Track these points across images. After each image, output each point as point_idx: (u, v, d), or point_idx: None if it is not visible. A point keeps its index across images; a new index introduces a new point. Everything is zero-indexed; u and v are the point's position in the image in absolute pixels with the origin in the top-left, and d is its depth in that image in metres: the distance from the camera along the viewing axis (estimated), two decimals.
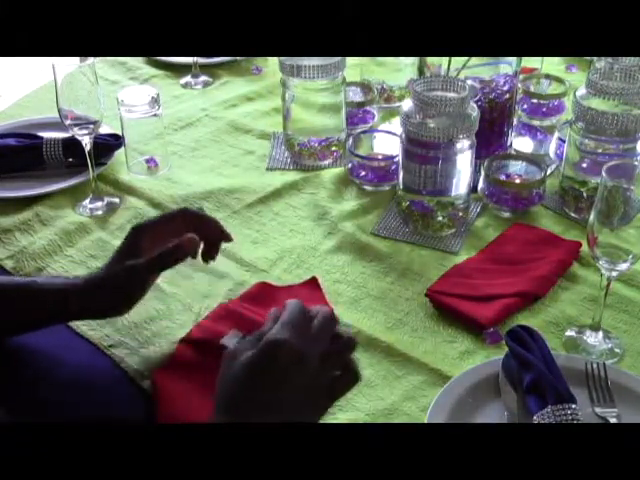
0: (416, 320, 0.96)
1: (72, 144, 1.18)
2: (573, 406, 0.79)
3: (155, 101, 1.21)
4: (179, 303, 0.99)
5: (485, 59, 1.15)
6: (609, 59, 1.07)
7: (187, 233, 0.87)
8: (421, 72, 1.22)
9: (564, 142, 1.14)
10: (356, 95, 1.36)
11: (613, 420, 0.81)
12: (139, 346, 0.92)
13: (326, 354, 0.71)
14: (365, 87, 1.37)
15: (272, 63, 1.53)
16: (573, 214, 1.13)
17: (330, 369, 0.72)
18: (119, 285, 0.87)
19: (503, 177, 1.15)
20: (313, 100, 1.23)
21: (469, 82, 1.07)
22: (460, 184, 1.07)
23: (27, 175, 1.22)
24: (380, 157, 1.21)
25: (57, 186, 1.18)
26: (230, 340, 0.89)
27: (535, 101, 1.33)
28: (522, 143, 1.29)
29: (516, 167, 1.18)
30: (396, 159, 1.14)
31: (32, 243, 1.09)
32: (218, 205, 1.17)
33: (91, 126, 1.10)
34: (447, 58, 1.13)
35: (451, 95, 1.03)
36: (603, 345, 0.91)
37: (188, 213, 0.91)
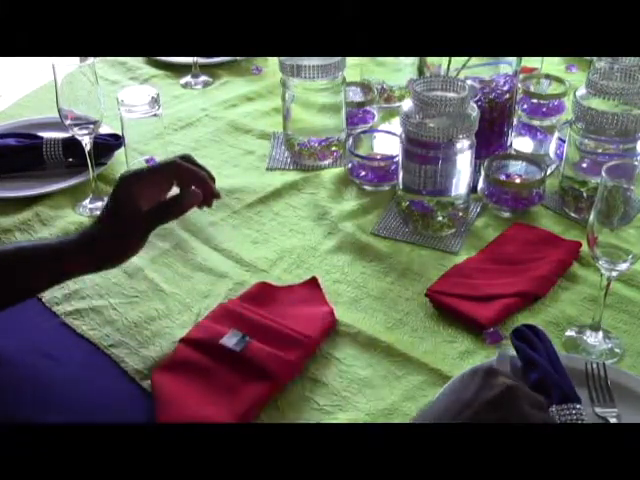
0: (416, 320, 0.96)
1: (72, 144, 1.18)
2: (578, 406, 0.79)
3: (155, 101, 1.21)
4: (179, 303, 0.99)
5: (485, 59, 1.15)
6: (609, 59, 1.07)
7: (180, 185, 0.88)
8: (421, 72, 1.22)
9: (564, 142, 1.14)
10: (356, 95, 1.36)
11: (613, 420, 0.81)
12: (139, 346, 0.92)
13: None
14: (365, 87, 1.37)
15: (272, 63, 1.53)
16: (573, 214, 1.13)
17: None
18: (118, 234, 0.86)
19: (503, 177, 1.15)
20: (313, 100, 1.23)
21: (469, 82, 1.07)
22: (460, 184, 1.07)
23: (27, 175, 1.22)
24: (380, 157, 1.21)
25: (57, 186, 1.18)
26: (230, 340, 0.89)
27: (535, 101, 1.33)
28: (522, 143, 1.29)
29: (516, 167, 1.18)
30: (396, 159, 1.14)
31: None
32: (218, 205, 1.17)
33: (91, 126, 1.10)
34: (447, 58, 1.13)
35: (451, 95, 1.03)
36: (603, 345, 0.91)
37: (179, 166, 0.91)
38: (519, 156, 1.21)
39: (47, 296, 0.99)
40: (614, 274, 0.87)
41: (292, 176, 1.23)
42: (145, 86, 1.46)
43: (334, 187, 1.20)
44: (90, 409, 0.83)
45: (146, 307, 0.98)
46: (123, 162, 1.25)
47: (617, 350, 0.91)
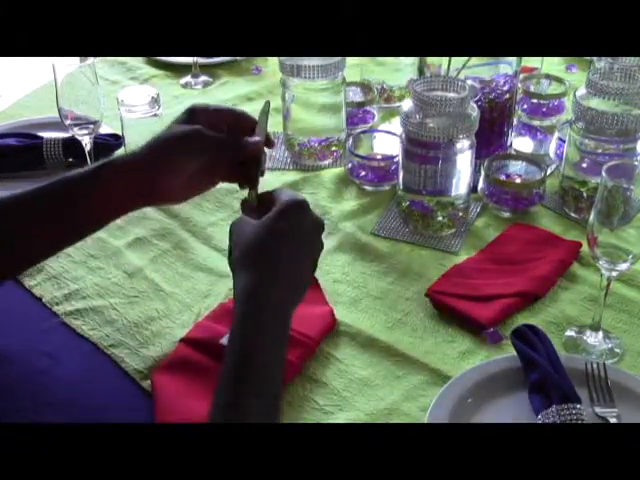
0: (416, 320, 0.96)
1: (72, 144, 1.18)
2: (578, 406, 0.79)
3: (155, 101, 1.21)
4: (179, 303, 0.99)
5: (485, 59, 1.15)
6: (609, 59, 1.07)
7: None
8: (421, 72, 1.22)
9: (564, 142, 1.14)
10: (356, 95, 1.36)
11: (613, 420, 0.81)
12: (139, 346, 0.92)
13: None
14: (365, 87, 1.37)
15: (272, 63, 1.53)
16: (573, 214, 1.13)
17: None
18: (189, 147, 0.82)
19: (503, 177, 1.15)
20: (313, 100, 1.23)
21: (469, 82, 1.07)
22: (460, 184, 1.07)
23: (27, 175, 1.21)
24: (380, 157, 1.21)
25: None
26: None
27: (535, 101, 1.33)
28: (522, 143, 1.29)
29: (516, 167, 1.18)
30: (396, 159, 1.14)
31: None
32: (218, 205, 1.17)
33: (91, 126, 1.10)
34: (447, 58, 1.13)
35: (451, 95, 1.03)
36: (603, 345, 0.91)
37: (246, 117, 0.89)
38: (519, 156, 1.21)
39: (47, 296, 0.99)
40: (614, 274, 0.87)
41: (292, 176, 1.23)
42: (145, 86, 1.46)
43: (334, 187, 1.20)
44: (90, 409, 0.83)
45: (146, 307, 0.98)
46: None
47: (617, 350, 0.91)
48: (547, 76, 1.39)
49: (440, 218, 1.09)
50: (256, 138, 0.86)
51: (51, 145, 1.22)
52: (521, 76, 1.27)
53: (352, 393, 0.86)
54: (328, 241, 1.09)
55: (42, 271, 1.03)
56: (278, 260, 0.72)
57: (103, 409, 0.83)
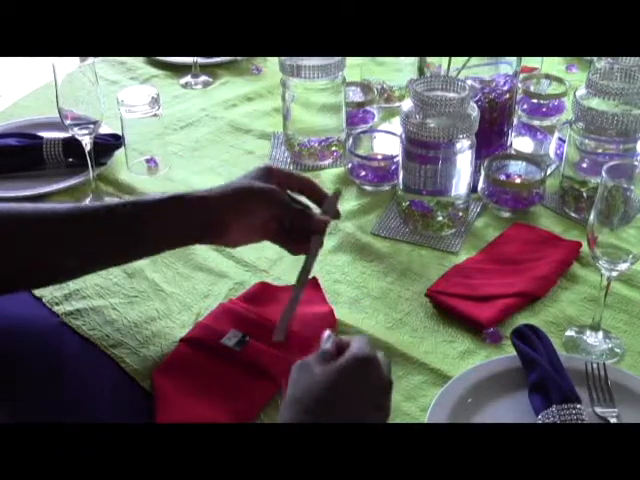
0: (416, 320, 0.96)
1: (72, 144, 1.18)
2: (578, 406, 0.79)
3: (155, 101, 1.21)
4: (179, 303, 0.99)
5: (485, 59, 1.14)
6: (609, 59, 1.07)
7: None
8: (421, 72, 1.22)
9: (564, 142, 1.14)
10: (356, 95, 1.36)
11: (613, 420, 0.81)
12: (139, 346, 0.92)
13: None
14: (365, 87, 1.37)
15: (272, 63, 1.53)
16: (573, 214, 1.13)
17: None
18: (262, 204, 0.86)
19: (503, 177, 1.15)
20: (313, 100, 1.23)
21: (469, 82, 1.07)
22: (460, 184, 1.07)
23: (27, 175, 1.22)
24: (380, 157, 1.21)
25: (57, 186, 1.18)
26: (230, 340, 0.89)
27: (535, 101, 1.33)
28: (522, 143, 1.29)
29: (516, 167, 1.18)
30: (396, 159, 1.14)
31: None
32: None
33: (91, 126, 1.10)
34: (447, 58, 1.13)
35: (451, 95, 1.03)
36: (603, 345, 0.91)
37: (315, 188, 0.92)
38: (519, 156, 1.21)
39: (47, 296, 0.99)
40: (614, 274, 0.87)
41: None
42: (145, 86, 1.46)
43: (334, 187, 1.20)
44: (90, 409, 0.83)
45: (146, 307, 0.98)
46: (123, 162, 1.25)
47: (617, 350, 0.91)
48: (547, 76, 1.39)
49: (440, 218, 1.09)
50: (326, 217, 0.89)
51: (51, 145, 1.22)
52: (521, 76, 1.27)
53: None
54: (328, 241, 1.09)
55: None
56: (331, 413, 0.70)
57: (103, 409, 0.83)
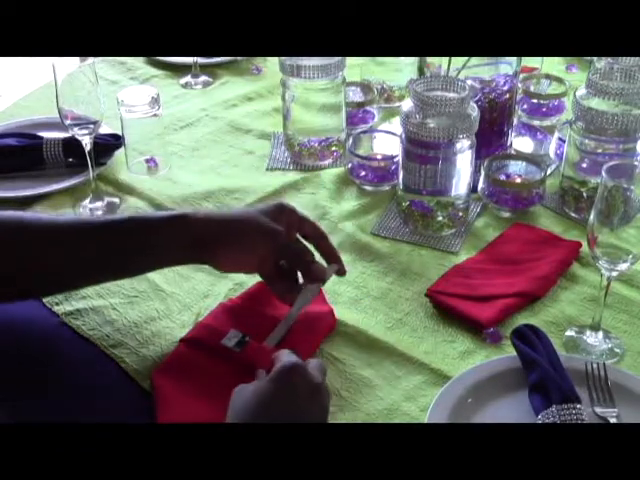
0: (416, 320, 0.96)
1: (72, 144, 1.18)
2: (578, 406, 0.79)
3: (155, 101, 1.21)
4: (179, 303, 0.99)
5: (485, 59, 1.14)
6: (609, 59, 1.07)
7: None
8: (421, 72, 1.22)
9: (564, 142, 1.14)
10: (356, 95, 1.36)
11: (613, 420, 0.81)
12: (139, 346, 0.92)
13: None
14: (365, 87, 1.37)
15: (272, 63, 1.53)
16: (573, 214, 1.13)
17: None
18: (265, 244, 0.87)
19: (503, 177, 1.15)
20: (313, 100, 1.23)
21: (469, 82, 1.07)
22: (460, 184, 1.07)
23: (27, 175, 1.22)
24: (380, 157, 1.21)
25: (57, 186, 1.18)
26: (230, 341, 0.89)
27: (535, 101, 1.33)
28: (522, 143, 1.29)
29: (516, 167, 1.18)
30: (396, 159, 1.14)
31: None
32: (218, 205, 1.17)
33: (91, 126, 1.10)
34: (447, 58, 1.13)
35: (451, 95, 1.03)
36: (603, 345, 0.91)
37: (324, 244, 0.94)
38: (519, 156, 1.21)
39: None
40: (614, 274, 0.87)
41: (292, 176, 1.23)
42: (145, 86, 1.46)
43: (334, 187, 1.20)
44: (90, 409, 0.83)
45: (146, 307, 0.98)
46: (123, 162, 1.25)
47: (617, 350, 0.91)
48: (547, 76, 1.39)
49: (440, 218, 1.09)
50: (323, 273, 0.91)
51: (51, 145, 1.22)
52: (521, 76, 1.27)
53: (352, 393, 0.86)
54: None
55: None
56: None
57: (103, 409, 0.83)
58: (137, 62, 1.58)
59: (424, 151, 1.04)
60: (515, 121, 1.26)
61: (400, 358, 0.90)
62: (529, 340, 0.86)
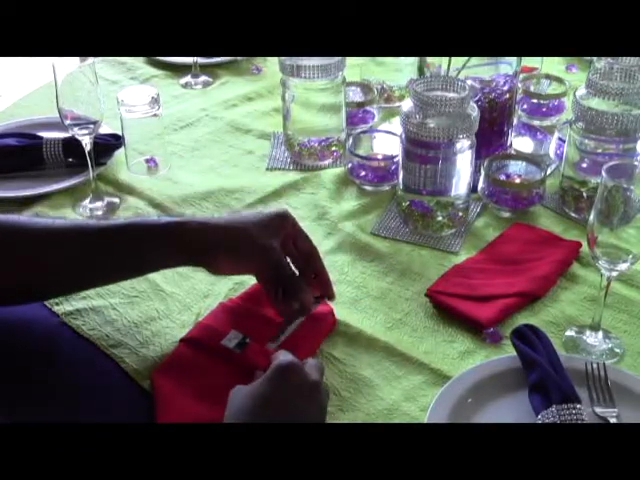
0: (416, 320, 0.96)
1: (72, 144, 1.18)
2: (578, 406, 0.79)
3: (155, 101, 1.21)
4: (179, 303, 0.99)
5: (485, 59, 1.14)
6: (609, 59, 1.07)
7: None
8: (421, 72, 1.22)
9: (564, 142, 1.14)
10: (356, 95, 1.36)
11: (613, 420, 0.81)
12: (139, 346, 0.92)
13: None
14: (365, 87, 1.37)
15: (272, 63, 1.53)
16: (573, 214, 1.13)
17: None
18: (261, 257, 0.88)
19: (503, 177, 1.15)
20: (313, 100, 1.23)
21: (469, 82, 1.07)
22: (460, 184, 1.07)
23: (27, 175, 1.22)
24: (380, 157, 1.21)
25: (57, 186, 1.18)
26: (230, 342, 0.89)
27: (535, 101, 1.33)
28: (522, 143, 1.29)
29: (516, 167, 1.18)
30: (396, 159, 1.14)
31: None
32: (218, 205, 1.17)
33: (91, 126, 1.10)
34: (447, 58, 1.13)
35: (451, 95, 1.03)
36: (603, 345, 0.91)
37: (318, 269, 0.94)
38: (519, 156, 1.21)
39: None
40: (614, 274, 0.87)
41: (292, 176, 1.23)
42: (145, 86, 1.46)
43: (334, 187, 1.20)
44: (90, 409, 0.83)
45: (146, 307, 0.98)
46: (123, 162, 1.25)
47: (617, 350, 0.91)
48: (547, 76, 1.39)
49: (440, 218, 1.09)
50: (312, 300, 0.91)
51: (51, 145, 1.22)
52: (521, 76, 1.27)
53: (352, 393, 0.86)
54: (328, 241, 1.09)
55: None
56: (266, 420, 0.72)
57: (103, 409, 0.83)
58: (137, 62, 1.58)
59: (424, 151, 1.04)
60: (515, 121, 1.26)
61: (400, 358, 0.90)
62: (529, 340, 0.86)
